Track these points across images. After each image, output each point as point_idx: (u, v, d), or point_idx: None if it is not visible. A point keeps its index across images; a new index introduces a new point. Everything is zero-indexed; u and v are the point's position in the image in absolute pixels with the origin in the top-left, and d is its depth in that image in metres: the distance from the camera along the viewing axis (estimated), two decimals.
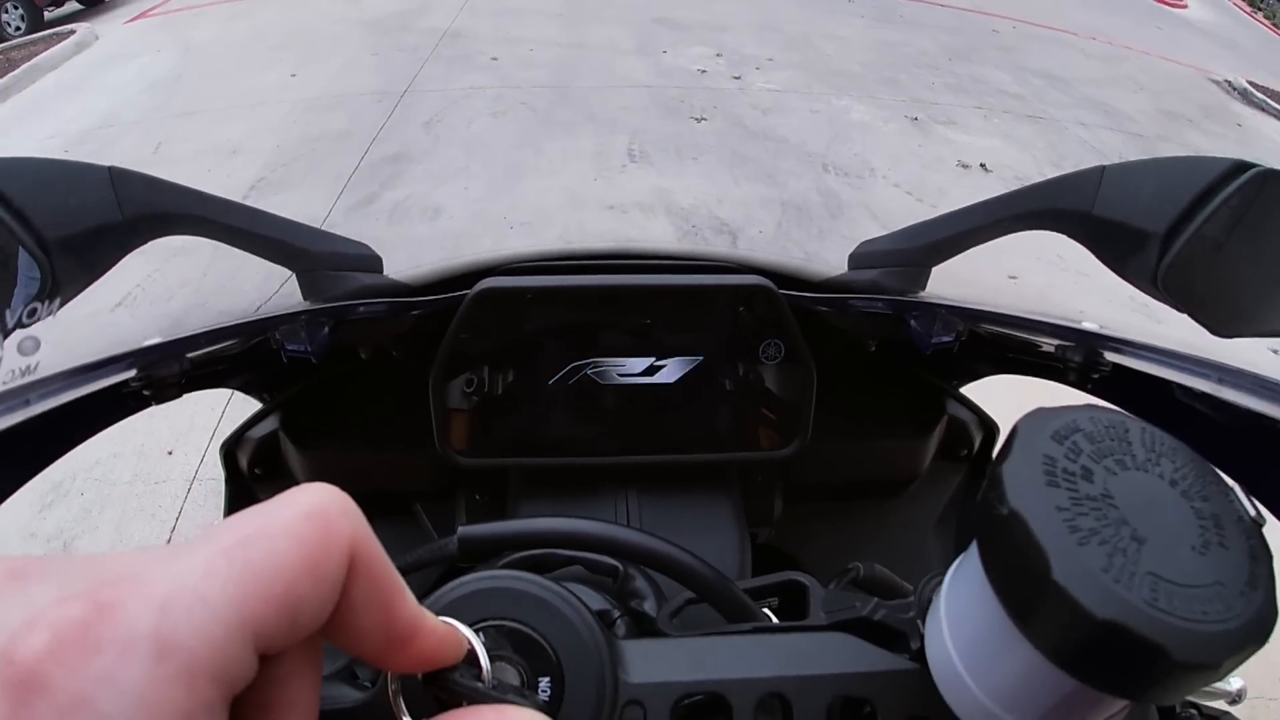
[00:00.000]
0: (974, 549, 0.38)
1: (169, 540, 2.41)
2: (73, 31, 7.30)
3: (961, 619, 0.40)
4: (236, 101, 5.68)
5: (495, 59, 6.49)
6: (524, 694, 0.41)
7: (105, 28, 7.65)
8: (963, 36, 8.19)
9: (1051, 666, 0.34)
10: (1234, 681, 0.71)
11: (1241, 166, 0.59)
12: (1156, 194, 0.63)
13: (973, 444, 0.99)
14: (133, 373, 0.66)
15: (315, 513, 0.26)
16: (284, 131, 5.19)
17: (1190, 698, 0.59)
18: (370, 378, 0.93)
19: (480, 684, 0.39)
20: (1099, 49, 8.55)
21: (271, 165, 4.73)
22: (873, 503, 1.03)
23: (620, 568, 0.62)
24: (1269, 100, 7.63)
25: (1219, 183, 0.59)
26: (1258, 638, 0.32)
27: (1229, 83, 8.07)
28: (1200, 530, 0.34)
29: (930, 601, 0.44)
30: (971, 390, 0.99)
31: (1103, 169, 0.67)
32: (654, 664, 0.45)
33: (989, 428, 0.97)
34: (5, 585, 0.22)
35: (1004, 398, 1.04)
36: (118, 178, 0.63)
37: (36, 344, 0.56)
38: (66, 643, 0.20)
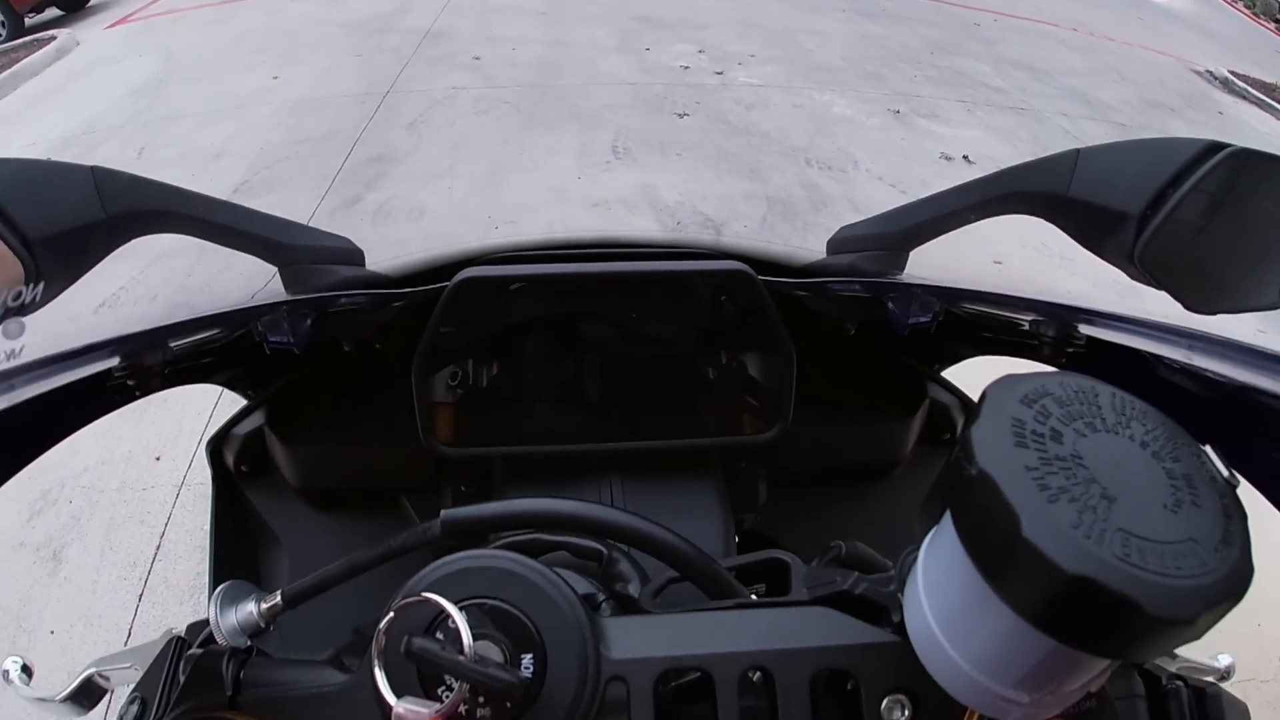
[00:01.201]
0: (947, 517, 0.39)
1: (157, 547, 2.40)
2: (53, 38, 7.24)
3: (938, 587, 0.40)
4: (219, 105, 5.65)
5: (478, 58, 6.47)
6: (506, 670, 0.41)
7: (86, 33, 7.58)
8: (944, 30, 8.20)
9: (1027, 626, 0.34)
10: (1222, 659, 0.71)
11: (1216, 146, 0.59)
12: (1132, 175, 0.63)
13: (955, 427, 0.99)
14: (115, 360, 0.66)
15: None
16: (267, 134, 5.16)
17: (1177, 671, 0.60)
18: (355, 372, 0.92)
19: (462, 658, 0.40)
20: (1080, 40, 8.58)
21: (255, 168, 4.70)
22: (857, 487, 1.03)
23: (604, 551, 0.62)
24: (1250, 89, 7.68)
25: (1194, 162, 0.59)
26: (1233, 594, 0.32)
27: (1210, 72, 8.11)
28: (1172, 489, 0.35)
29: (909, 574, 0.45)
30: (953, 374, 1.00)
31: (1078, 152, 0.68)
32: (636, 640, 0.45)
33: (971, 410, 0.98)
34: None
35: (987, 381, 1.04)
36: (100, 176, 0.62)
37: (21, 328, 0.56)
38: None
